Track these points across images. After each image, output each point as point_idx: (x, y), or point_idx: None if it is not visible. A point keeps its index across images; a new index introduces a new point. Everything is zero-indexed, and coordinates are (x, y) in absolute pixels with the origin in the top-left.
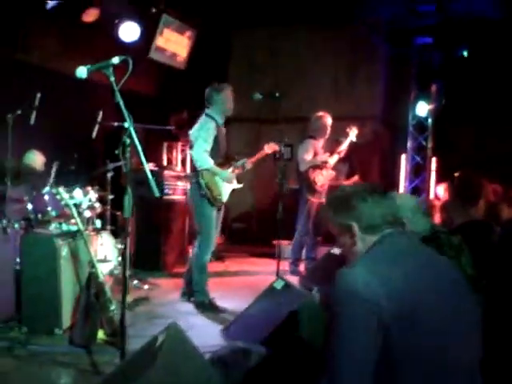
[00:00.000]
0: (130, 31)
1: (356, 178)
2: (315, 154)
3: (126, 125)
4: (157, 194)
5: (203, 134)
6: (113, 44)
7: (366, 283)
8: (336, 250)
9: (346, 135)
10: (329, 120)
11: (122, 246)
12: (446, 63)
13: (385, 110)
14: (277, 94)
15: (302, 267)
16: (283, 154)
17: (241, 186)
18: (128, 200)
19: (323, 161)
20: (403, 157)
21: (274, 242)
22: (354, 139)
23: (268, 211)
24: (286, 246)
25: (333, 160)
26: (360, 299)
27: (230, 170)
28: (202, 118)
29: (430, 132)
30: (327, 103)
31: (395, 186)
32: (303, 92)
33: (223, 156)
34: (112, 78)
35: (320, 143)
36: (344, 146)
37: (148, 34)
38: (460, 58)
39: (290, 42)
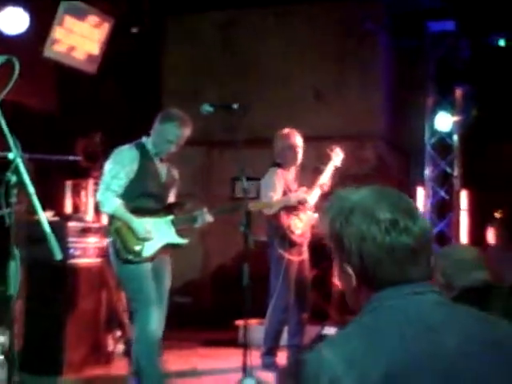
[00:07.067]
0: (14, 20)
1: None
2: (286, 191)
3: (11, 156)
4: (58, 255)
5: (112, 166)
6: None
7: (331, 376)
8: (330, 330)
9: (328, 159)
10: (297, 139)
11: (6, 340)
12: (476, 58)
13: (391, 126)
14: (234, 106)
15: (280, 358)
16: (246, 192)
17: (185, 242)
18: (14, 268)
19: (299, 199)
20: (420, 190)
21: (238, 322)
22: (339, 164)
23: (227, 277)
24: (257, 327)
25: (313, 197)
26: None
27: (169, 219)
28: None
29: (457, 154)
30: (307, 118)
31: None
32: (272, 103)
33: (157, 198)
34: None
35: (290, 173)
36: (326, 176)
37: (42, 25)
38: (495, 50)
39: (250, 31)
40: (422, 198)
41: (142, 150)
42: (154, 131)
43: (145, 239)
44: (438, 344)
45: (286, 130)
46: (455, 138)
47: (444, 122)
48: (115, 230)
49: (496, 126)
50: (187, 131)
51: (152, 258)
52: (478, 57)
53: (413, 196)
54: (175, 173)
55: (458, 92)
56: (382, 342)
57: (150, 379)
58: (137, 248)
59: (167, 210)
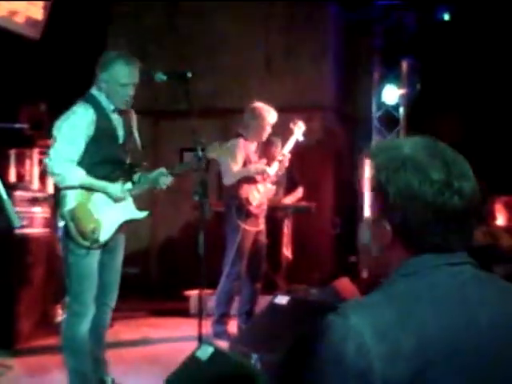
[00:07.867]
0: None
1: (299, 191)
2: (246, 162)
3: None
4: (17, 222)
5: (66, 130)
6: None
7: (359, 344)
8: (282, 299)
9: (289, 133)
10: (272, 115)
11: None
12: (421, 31)
13: (338, 98)
14: (188, 74)
15: (231, 327)
16: (200, 161)
17: (144, 215)
18: None
19: (259, 171)
20: (367, 161)
21: (187, 292)
22: (301, 138)
23: (175, 247)
24: (208, 297)
25: (273, 169)
26: (345, 367)
27: (127, 188)
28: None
29: (403, 126)
30: (255, 88)
31: (357, 201)
32: (219, 73)
33: (115, 163)
34: None
35: (253, 146)
36: (288, 148)
37: None
38: (440, 24)
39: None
40: (368, 169)
41: (97, 107)
42: (102, 83)
43: (119, 200)
44: (470, 320)
45: (260, 104)
46: (401, 110)
47: (391, 94)
48: (69, 212)
49: (440, 100)
50: (137, 66)
51: (107, 243)
52: (424, 30)
53: (360, 167)
54: (134, 123)
55: (404, 65)
56: (415, 314)
57: (74, 375)
58: (94, 234)
59: (125, 175)
